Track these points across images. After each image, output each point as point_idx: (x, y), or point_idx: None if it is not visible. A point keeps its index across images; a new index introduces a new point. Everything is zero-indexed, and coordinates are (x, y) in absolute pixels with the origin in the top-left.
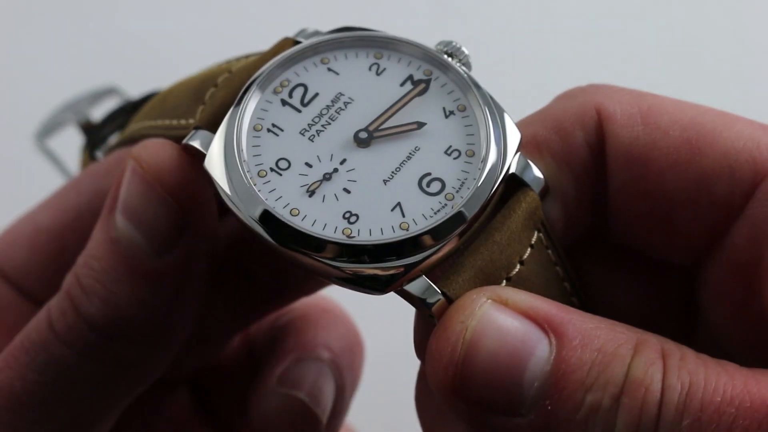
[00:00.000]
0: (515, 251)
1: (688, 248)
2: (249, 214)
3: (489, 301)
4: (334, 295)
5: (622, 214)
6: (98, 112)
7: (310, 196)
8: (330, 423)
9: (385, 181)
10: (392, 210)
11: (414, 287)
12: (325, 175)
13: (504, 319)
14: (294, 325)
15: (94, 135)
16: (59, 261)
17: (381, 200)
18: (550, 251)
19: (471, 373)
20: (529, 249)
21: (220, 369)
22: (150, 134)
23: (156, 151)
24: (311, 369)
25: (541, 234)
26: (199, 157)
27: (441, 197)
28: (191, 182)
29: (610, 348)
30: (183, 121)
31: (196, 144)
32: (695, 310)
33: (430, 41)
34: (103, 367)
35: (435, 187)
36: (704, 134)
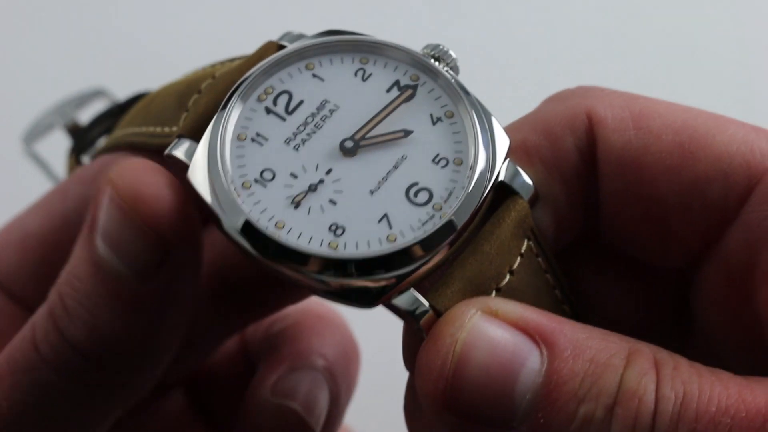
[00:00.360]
0: (505, 261)
1: (682, 253)
2: (232, 226)
3: (479, 312)
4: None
5: (614, 219)
6: (86, 115)
7: (295, 207)
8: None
9: (371, 192)
10: (379, 221)
11: (402, 301)
12: (310, 186)
13: (494, 331)
14: (288, 332)
15: (81, 139)
16: (47, 266)
17: (368, 212)
18: (540, 259)
19: (461, 386)
20: (519, 258)
21: (216, 371)
22: (134, 141)
23: (134, 176)
24: (305, 378)
25: (531, 242)
26: (181, 167)
27: (428, 208)
28: (172, 209)
29: (603, 358)
30: (166, 129)
31: (178, 154)
32: (689, 314)
33: (422, 41)
34: (88, 388)
35: (422, 197)
36: (697, 138)
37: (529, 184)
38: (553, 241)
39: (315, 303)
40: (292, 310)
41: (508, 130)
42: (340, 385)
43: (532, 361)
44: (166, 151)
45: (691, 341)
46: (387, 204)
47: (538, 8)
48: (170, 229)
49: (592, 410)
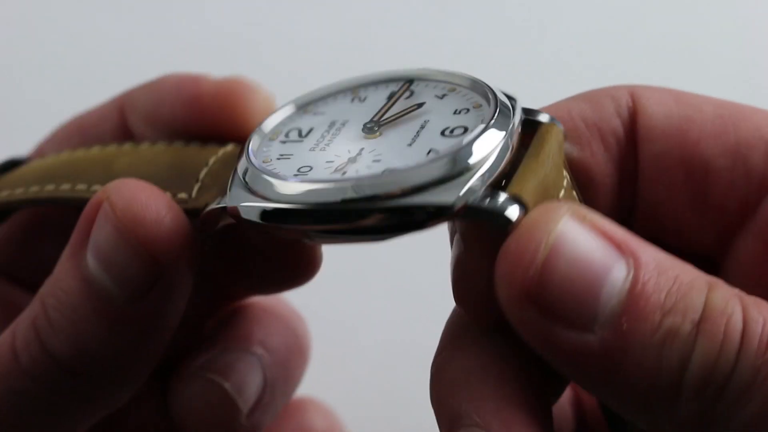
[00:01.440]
0: (560, 175)
1: (719, 226)
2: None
3: (570, 211)
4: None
5: (652, 192)
6: None
7: (342, 175)
8: (252, 415)
9: (409, 145)
10: (427, 155)
11: (482, 201)
12: (350, 159)
13: (584, 233)
14: (230, 321)
15: None
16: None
17: (413, 154)
18: (574, 192)
19: (550, 278)
20: (565, 180)
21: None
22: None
23: (133, 197)
24: (239, 359)
25: (567, 175)
26: (216, 216)
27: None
28: (171, 232)
29: (686, 279)
30: (183, 195)
31: (214, 205)
32: None
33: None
34: (65, 397)
35: (459, 131)
36: (736, 112)
37: (558, 125)
38: None
39: (266, 297)
40: (243, 302)
41: (548, 109)
42: (275, 372)
43: (618, 268)
44: (207, 209)
45: None
46: (429, 144)
47: (548, 10)
48: (166, 254)
49: (678, 323)
